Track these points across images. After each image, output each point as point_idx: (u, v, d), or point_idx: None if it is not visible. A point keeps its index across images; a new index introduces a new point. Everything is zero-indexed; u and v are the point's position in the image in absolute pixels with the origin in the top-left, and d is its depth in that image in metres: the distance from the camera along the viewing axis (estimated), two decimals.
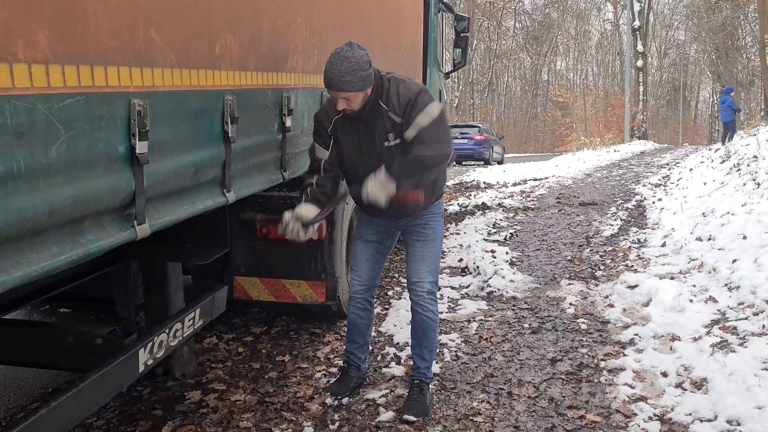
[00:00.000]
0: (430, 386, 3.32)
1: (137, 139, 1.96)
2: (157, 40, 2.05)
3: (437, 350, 3.56)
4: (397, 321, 4.37)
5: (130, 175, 1.98)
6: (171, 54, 2.13)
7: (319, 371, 3.65)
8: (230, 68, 2.57)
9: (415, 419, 3.09)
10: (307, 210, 2.90)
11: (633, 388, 3.39)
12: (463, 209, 9.14)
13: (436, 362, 3.63)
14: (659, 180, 12.40)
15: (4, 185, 1.51)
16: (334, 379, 3.48)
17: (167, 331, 2.61)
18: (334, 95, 2.84)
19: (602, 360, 3.75)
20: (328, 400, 3.28)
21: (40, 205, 1.63)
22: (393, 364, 3.73)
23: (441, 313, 4.39)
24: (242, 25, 2.66)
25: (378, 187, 2.81)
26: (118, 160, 1.92)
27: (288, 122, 3.18)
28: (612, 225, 7.79)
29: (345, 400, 3.29)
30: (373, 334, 4.02)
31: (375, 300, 4.71)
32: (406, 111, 2.84)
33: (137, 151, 1.97)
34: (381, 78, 2.90)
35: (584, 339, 4.10)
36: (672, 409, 3.14)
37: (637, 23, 31.29)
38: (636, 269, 5.57)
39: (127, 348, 2.42)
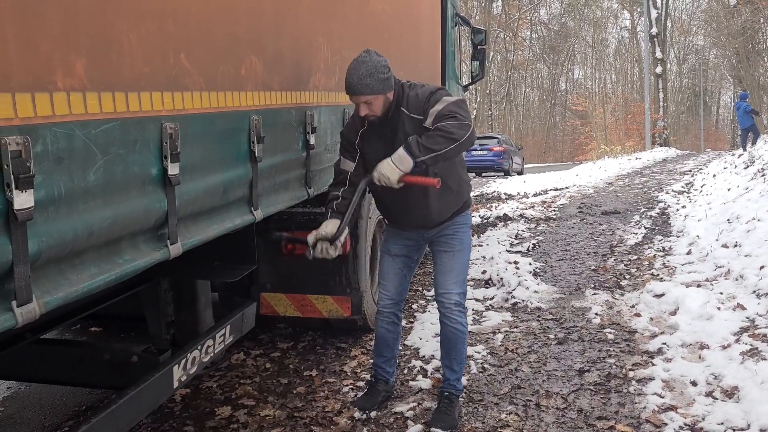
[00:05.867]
0: (460, 398, 3.32)
1: (169, 161, 2.01)
2: (187, 64, 2.11)
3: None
4: (423, 334, 4.39)
5: (163, 196, 2.03)
6: (200, 77, 2.19)
7: (347, 385, 3.68)
8: (255, 89, 2.63)
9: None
10: (330, 226, 2.90)
11: (662, 397, 3.37)
12: (485, 221, 9.14)
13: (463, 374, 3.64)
14: (682, 187, 12.29)
15: (45, 210, 1.56)
16: (362, 393, 3.50)
17: (199, 347, 2.66)
18: (355, 101, 2.90)
19: (631, 370, 3.73)
20: (357, 414, 3.30)
21: (80, 228, 1.68)
22: (420, 377, 3.75)
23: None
24: (266, 47, 2.72)
25: (390, 166, 2.76)
26: (151, 181, 1.98)
27: (312, 140, 3.23)
28: (636, 233, 7.74)
29: (373, 414, 3.31)
30: (399, 347, 4.04)
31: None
32: (425, 106, 2.86)
33: (169, 173, 2.02)
34: (402, 86, 2.97)
35: (612, 349, 4.08)
36: (703, 419, 3.12)
37: (654, 30, 31.09)
38: (662, 278, 5.53)
39: (162, 365, 2.47)
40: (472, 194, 3.38)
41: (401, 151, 2.75)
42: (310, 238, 2.88)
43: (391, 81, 2.90)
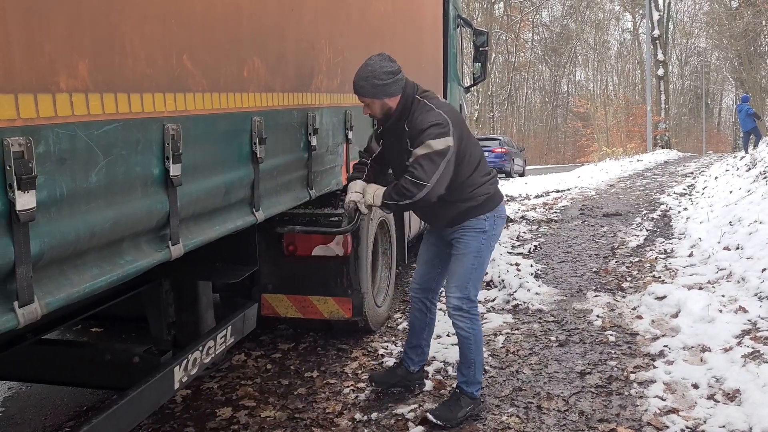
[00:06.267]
0: (472, 403, 3.25)
1: (171, 162, 2.01)
2: (190, 66, 2.11)
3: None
4: None
5: (165, 197, 2.03)
6: (202, 79, 2.19)
7: (348, 387, 3.67)
8: (258, 90, 2.63)
9: (432, 419, 3.12)
10: (360, 186, 3.16)
11: (664, 400, 3.37)
12: None
13: None
14: (684, 189, 12.28)
15: (47, 210, 1.56)
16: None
17: (201, 348, 2.66)
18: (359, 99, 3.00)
19: (632, 372, 3.73)
20: (357, 416, 3.31)
21: (82, 228, 1.68)
22: None
23: None
24: (269, 49, 2.72)
25: (369, 195, 3.06)
26: (153, 182, 1.98)
27: (313, 141, 3.23)
28: (637, 235, 7.73)
29: (374, 415, 3.31)
30: (399, 348, 4.03)
31: (401, 315, 4.75)
32: (414, 140, 2.92)
33: (171, 174, 2.02)
34: (413, 101, 2.97)
35: (613, 351, 4.07)
36: (705, 422, 3.11)
37: (656, 32, 31.09)
38: (664, 280, 5.53)
39: (163, 366, 2.47)
40: None
41: (380, 190, 3.04)
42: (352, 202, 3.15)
43: (392, 89, 2.91)
